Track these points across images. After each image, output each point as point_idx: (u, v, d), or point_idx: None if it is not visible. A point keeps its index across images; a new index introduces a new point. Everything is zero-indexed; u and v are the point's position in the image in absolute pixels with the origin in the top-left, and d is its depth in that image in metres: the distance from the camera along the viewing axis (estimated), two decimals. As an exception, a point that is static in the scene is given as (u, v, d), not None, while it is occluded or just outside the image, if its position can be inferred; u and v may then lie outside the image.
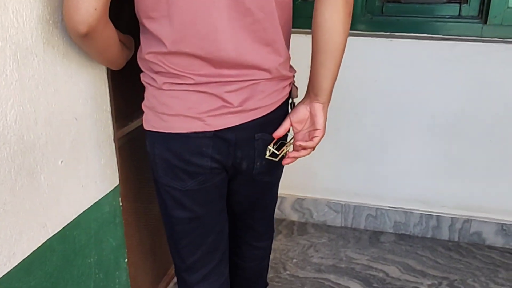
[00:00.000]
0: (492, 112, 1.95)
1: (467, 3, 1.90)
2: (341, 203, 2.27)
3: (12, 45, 0.85)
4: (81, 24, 0.87)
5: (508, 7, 1.82)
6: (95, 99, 1.13)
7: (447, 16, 1.95)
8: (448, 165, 2.08)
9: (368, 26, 1.99)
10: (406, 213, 2.20)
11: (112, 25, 0.97)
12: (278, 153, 1.09)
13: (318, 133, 1.07)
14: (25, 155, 0.91)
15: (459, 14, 1.92)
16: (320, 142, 1.10)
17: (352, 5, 1.00)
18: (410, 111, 2.04)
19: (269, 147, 1.08)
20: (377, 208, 2.23)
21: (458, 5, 1.91)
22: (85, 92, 1.08)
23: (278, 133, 1.08)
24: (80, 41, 0.94)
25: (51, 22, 0.94)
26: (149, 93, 1.05)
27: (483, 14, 1.87)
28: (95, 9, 0.87)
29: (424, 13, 1.98)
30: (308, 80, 1.08)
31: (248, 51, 0.98)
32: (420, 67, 1.96)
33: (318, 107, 1.05)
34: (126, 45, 1.10)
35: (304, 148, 1.10)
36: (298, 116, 1.08)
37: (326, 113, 1.08)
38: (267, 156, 1.09)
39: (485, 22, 1.86)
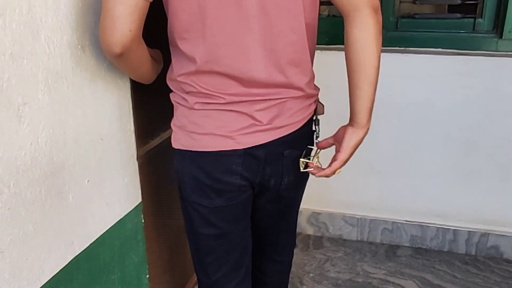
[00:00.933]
0: (508, 125, 1.94)
1: (481, 18, 1.91)
2: (357, 217, 2.27)
3: (44, 70, 0.88)
4: (116, 45, 0.90)
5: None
6: (120, 120, 1.15)
7: (461, 31, 1.95)
8: (465, 179, 2.08)
9: (383, 41, 2.00)
10: (423, 226, 2.19)
11: (144, 44, 1.00)
12: (313, 162, 1.10)
13: (337, 157, 1.07)
14: (55, 175, 0.93)
15: (474, 29, 1.92)
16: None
17: (381, 22, 0.99)
18: (426, 125, 2.04)
19: (302, 159, 1.09)
20: (393, 222, 2.23)
21: (473, 19, 1.92)
22: (110, 113, 1.10)
23: (321, 145, 1.12)
24: (115, 61, 0.97)
25: (79, 47, 0.97)
26: (179, 113, 1.06)
27: (498, 28, 1.87)
28: (130, 30, 0.89)
29: (438, 27, 1.98)
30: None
31: (277, 72, 1.00)
32: (435, 81, 1.97)
33: (348, 130, 1.06)
34: (155, 60, 1.12)
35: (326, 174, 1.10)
36: (337, 136, 1.10)
37: (359, 138, 1.06)
38: (302, 170, 1.10)
39: (500, 37, 1.86)
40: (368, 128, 1.08)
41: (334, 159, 1.08)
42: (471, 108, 1.96)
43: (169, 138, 1.10)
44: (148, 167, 1.42)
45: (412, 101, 2.02)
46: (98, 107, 1.06)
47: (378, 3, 0.98)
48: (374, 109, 2.02)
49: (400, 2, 1.99)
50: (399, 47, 1.97)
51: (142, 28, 0.93)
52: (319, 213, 2.32)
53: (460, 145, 2.03)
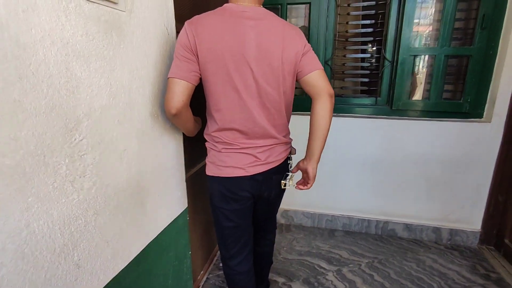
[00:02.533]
0: (396, 156, 1.99)
1: (380, 96, 1.98)
2: (311, 212, 2.25)
3: (136, 130, 0.88)
4: (173, 109, 0.91)
5: (403, 100, 1.90)
6: (176, 158, 1.14)
7: (368, 104, 2.01)
8: (373, 188, 2.10)
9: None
10: (350, 218, 2.18)
11: (190, 110, 1.00)
12: (288, 184, 1.11)
13: (310, 182, 1.09)
14: (140, 193, 0.91)
15: (376, 103, 1.99)
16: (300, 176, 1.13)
17: (334, 103, 1.01)
18: (350, 156, 2.07)
19: (282, 181, 1.10)
20: (332, 215, 2.22)
21: (374, 97, 1.99)
22: (171, 154, 1.10)
23: (293, 170, 1.13)
24: (172, 118, 0.96)
25: (155, 115, 0.98)
26: (211, 154, 1.06)
27: (390, 102, 1.95)
28: (182, 101, 0.91)
29: (355, 102, 2.04)
30: (306, 146, 1.07)
31: (269, 128, 1.01)
32: (355, 132, 2.01)
33: (311, 167, 1.06)
34: (197, 122, 1.12)
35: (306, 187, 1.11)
36: (301, 167, 1.10)
37: (316, 168, 1.07)
38: (283, 187, 1.11)
39: (391, 108, 1.93)
40: (318, 162, 1.07)
41: (307, 182, 1.09)
42: (375, 147, 2.00)
43: (202, 167, 1.10)
44: (191, 185, 1.41)
45: (341, 143, 2.05)
46: (165, 151, 1.05)
47: (333, 92, 1.01)
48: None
49: (334, 88, 2.05)
50: (335, 113, 2.00)
51: (189, 101, 0.94)
52: (288, 210, 2.29)
53: (370, 167, 2.05)
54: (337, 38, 1.95)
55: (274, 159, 1.05)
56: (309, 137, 1.04)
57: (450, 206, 2.01)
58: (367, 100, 2.01)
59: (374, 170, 2.06)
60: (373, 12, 1.87)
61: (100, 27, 0.71)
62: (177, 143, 1.14)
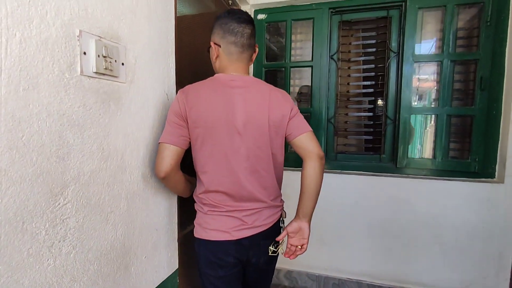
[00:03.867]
0: (405, 216, 1.89)
1: (384, 154, 1.96)
2: (316, 274, 2.10)
3: (125, 191, 0.89)
4: (161, 172, 0.93)
5: (408, 158, 1.87)
6: (169, 216, 1.13)
7: (373, 161, 1.99)
8: (385, 250, 1.96)
9: (329, 166, 2.03)
10: (359, 283, 2.01)
11: (180, 172, 1.01)
12: (276, 250, 1.05)
13: (305, 242, 1.03)
14: (124, 255, 0.89)
15: (380, 160, 1.97)
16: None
17: (324, 164, 1.01)
18: (356, 216, 1.98)
19: (270, 247, 1.05)
20: (339, 279, 2.05)
21: (378, 155, 1.97)
22: (163, 213, 1.09)
23: (279, 237, 1.05)
24: (161, 180, 0.98)
25: (148, 176, 0.99)
26: (199, 216, 1.04)
27: (395, 160, 1.91)
28: (171, 164, 0.93)
29: (360, 159, 2.02)
30: (297, 204, 1.04)
31: (256, 191, 1.00)
32: (360, 189, 1.96)
33: (304, 225, 1.02)
34: (191, 183, 1.12)
35: (298, 251, 1.04)
36: (292, 228, 1.03)
37: (309, 227, 1.03)
38: (270, 254, 1.05)
39: (396, 166, 1.90)
40: (310, 221, 1.03)
41: (302, 243, 1.03)
42: (383, 205, 1.92)
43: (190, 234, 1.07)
44: (185, 244, 1.36)
45: (347, 202, 1.99)
46: (156, 210, 1.05)
47: (322, 154, 1.01)
48: (324, 204, 1.99)
49: (337, 145, 2.06)
50: (339, 170, 1.99)
51: (178, 163, 0.96)
52: (292, 271, 2.15)
53: (378, 227, 1.95)
54: (339, 97, 2.02)
55: (261, 223, 1.02)
56: (300, 196, 1.02)
57: (469, 275, 1.82)
58: (371, 158, 1.99)
59: (383, 231, 1.95)
60: (373, 74, 1.95)
61: (98, 98, 0.77)
62: (171, 202, 1.14)
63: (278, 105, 1.00)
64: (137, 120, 0.92)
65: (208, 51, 1.07)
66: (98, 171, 0.78)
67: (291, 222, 1.07)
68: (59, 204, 0.68)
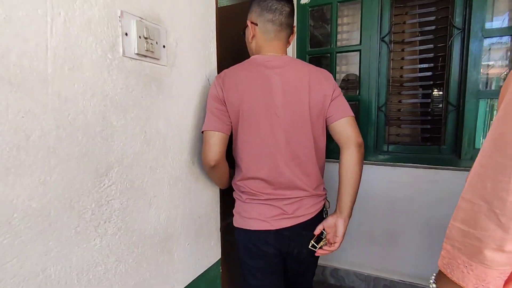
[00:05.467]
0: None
1: (444, 144, 1.75)
2: (365, 274, 1.96)
3: (168, 176, 0.88)
4: (211, 160, 0.91)
5: (475, 149, 1.64)
6: (211, 204, 1.11)
7: (431, 153, 1.78)
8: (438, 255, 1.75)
9: (379, 159, 1.87)
10: (413, 286, 1.83)
11: (226, 162, 0.99)
12: (317, 245, 0.98)
13: (337, 240, 0.95)
14: (167, 240, 0.89)
15: (439, 151, 1.76)
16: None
17: (363, 153, 0.94)
18: (411, 212, 1.80)
19: (311, 241, 0.98)
20: (390, 280, 1.89)
21: (437, 146, 1.76)
22: (206, 201, 1.07)
23: (316, 231, 0.98)
24: (209, 170, 0.96)
25: (191, 162, 0.98)
26: (237, 204, 1.01)
27: (458, 151, 1.69)
28: (219, 151, 0.90)
29: (414, 151, 1.83)
30: (336, 199, 0.98)
31: (296, 179, 0.94)
32: (416, 184, 1.77)
33: (340, 222, 0.94)
34: (231, 174, 1.09)
35: (328, 248, 0.97)
36: (328, 224, 0.97)
37: (346, 226, 0.95)
38: (310, 247, 0.98)
39: (459, 157, 1.67)
40: (349, 217, 0.96)
41: (334, 241, 0.96)
42: (441, 203, 1.71)
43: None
44: (228, 234, 1.34)
45: (400, 197, 1.81)
46: (199, 197, 1.03)
47: (361, 141, 0.94)
48: (375, 200, 1.84)
49: (389, 135, 1.89)
50: (391, 162, 1.82)
51: (224, 152, 0.93)
52: (338, 269, 2.03)
53: (436, 227, 1.74)
54: (391, 83, 1.84)
55: (303, 213, 0.95)
56: (338, 189, 0.96)
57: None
58: (429, 149, 1.78)
59: (442, 231, 1.73)
60: (431, 55, 1.74)
61: (140, 80, 0.76)
62: (214, 190, 1.12)
63: (319, 85, 0.92)
64: (179, 103, 0.90)
65: (244, 34, 1.03)
66: (141, 154, 0.77)
67: (328, 216, 0.99)
68: (104, 185, 0.68)
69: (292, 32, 1.00)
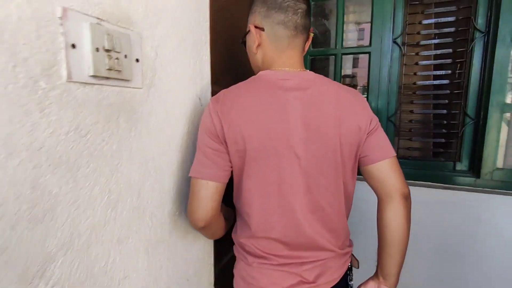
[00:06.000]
0: (487, 243, 1.51)
1: (460, 161, 1.57)
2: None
3: (145, 242, 0.63)
4: (200, 221, 0.66)
5: (496, 168, 1.48)
6: (203, 259, 0.86)
7: (444, 170, 1.61)
8: (456, 284, 1.60)
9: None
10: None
11: (222, 217, 0.75)
12: None
13: None
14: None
15: (454, 168, 1.59)
16: None
17: (410, 206, 0.72)
18: (420, 237, 1.63)
19: None
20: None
21: (452, 162, 1.59)
22: (196, 256, 0.83)
23: None
24: (199, 231, 0.71)
25: (177, 213, 0.73)
26: (240, 266, 0.77)
27: (476, 170, 1.53)
28: (212, 208, 0.66)
29: (426, 166, 1.65)
30: (377, 257, 0.77)
31: (319, 237, 0.72)
32: (427, 206, 1.60)
33: None
34: (227, 219, 0.83)
35: None
36: None
37: None
38: None
39: (478, 177, 1.51)
40: (397, 283, 0.75)
41: None
42: (456, 228, 1.55)
43: (231, 260, 0.81)
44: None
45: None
46: (187, 255, 0.79)
47: (408, 191, 0.72)
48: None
49: (399, 148, 1.70)
50: (399, 179, 1.64)
51: (220, 204, 0.69)
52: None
53: (449, 254, 1.59)
54: (402, 91, 1.64)
55: (327, 279, 0.73)
56: (378, 250, 0.74)
57: None
58: (443, 165, 1.61)
59: (456, 257, 1.58)
60: (449, 61, 1.54)
61: (99, 115, 0.50)
62: (205, 240, 0.87)
63: (352, 113, 0.69)
64: (160, 139, 0.65)
65: (244, 43, 0.77)
66: (103, 225, 0.52)
67: (367, 281, 0.78)
68: (39, 291, 0.42)
69: (308, 37, 0.75)
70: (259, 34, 0.70)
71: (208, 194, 0.64)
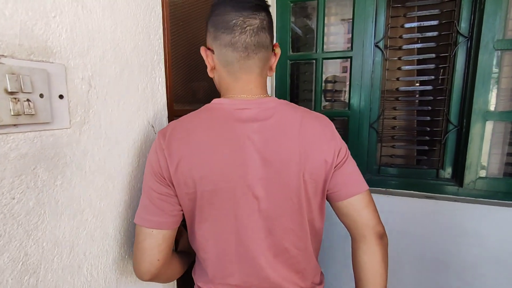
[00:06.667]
0: (470, 253, 1.48)
1: (443, 168, 1.53)
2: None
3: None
4: (145, 274, 0.58)
5: (479, 176, 1.44)
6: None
7: (427, 178, 1.56)
8: (433, 286, 1.58)
9: (369, 183, 1.62)
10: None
11: (176, 258, 0.67)
12: None
13: None
14: None
15: (437, 176, 1.54)
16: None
17: (387, 244, 0.66)
18: (404, 246, 1.60)
19: None
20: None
21: (435, 170, 1.55)
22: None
23: None
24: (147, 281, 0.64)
25: (125, 258, 0.65)
26: None
27: (459, 178, 1.49)
28: (158, 260, 0.58)
29: (410, 175, 1.61)
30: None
31: (284, 282, 0.65)
32: (410, 215, 1.56)
33: None
34: (184, 260, 0.74)
35: None
36: None
37: None
38: None
39: (461, 185, 1.47)
40: None
41: None
42: (441, 237, 1.52)
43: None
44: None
45: (392, 229, 1.59)
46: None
47: (383, 230, 0.66)
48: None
49: (381, 155, 1.65)
50: (382, 188, 1.59)
51: (170, 252, 0.61)
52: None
53: (432, 263, 1.56)
54: (385, 97, 1.58)
55: None
56: None
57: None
58: (426, 173, 1.57)
59: (440, 266, 1.56)
60: (432, 66, 1.49)
61: (5, 172, 0.41)
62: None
63: (317, 145, 0.61)
64: (97, 181, 0.56)
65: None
66: (18, 298, 0.44)
67: None
68: None
69: (272, 54, 0.66)
70: (211, 58, 0.62)
71: (153, 244, 0.57)
